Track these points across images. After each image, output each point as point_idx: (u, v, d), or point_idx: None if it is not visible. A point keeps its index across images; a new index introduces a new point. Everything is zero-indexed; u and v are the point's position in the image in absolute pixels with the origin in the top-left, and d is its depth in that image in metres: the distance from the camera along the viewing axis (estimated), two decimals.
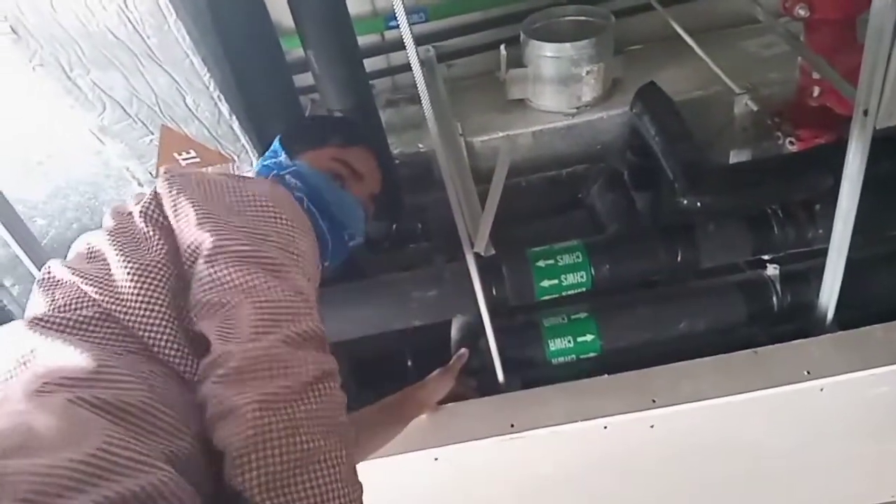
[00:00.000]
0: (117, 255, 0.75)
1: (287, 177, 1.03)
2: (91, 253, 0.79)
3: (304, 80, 1.74)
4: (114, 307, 0.71)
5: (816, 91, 1.49)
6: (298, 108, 1.53)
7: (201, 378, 0.66)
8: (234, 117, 1.28)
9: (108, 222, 0.83)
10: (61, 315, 0.71)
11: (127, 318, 0.71)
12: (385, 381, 1.65)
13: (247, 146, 1.35)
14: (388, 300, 1.48)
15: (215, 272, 0.71)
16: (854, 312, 1.42)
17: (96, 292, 0.72)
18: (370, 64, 1.88)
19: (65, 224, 1.97)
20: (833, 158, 1.26)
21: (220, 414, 0.62)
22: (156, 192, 0.81)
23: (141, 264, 0.73)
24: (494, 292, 1.45)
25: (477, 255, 1.26)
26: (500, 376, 1.42)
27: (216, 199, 0.79)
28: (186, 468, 0.59)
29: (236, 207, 0.80)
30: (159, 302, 0.72)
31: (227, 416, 0.61)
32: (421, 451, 1.31)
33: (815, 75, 1.48)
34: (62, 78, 1.19)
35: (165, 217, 0.79)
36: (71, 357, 0.65)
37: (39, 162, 1.76)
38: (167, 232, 0.78)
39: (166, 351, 0.70)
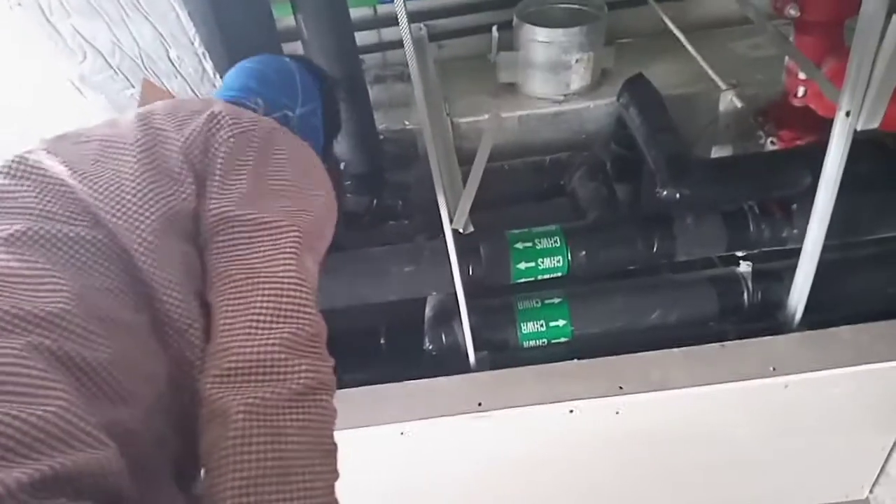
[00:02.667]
0: (144, 182, 0.67)
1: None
2: (105, 148, 0.70)
3: (292, 49, 1.71)
4: (125, 233, 0.64)
5: (801, 91, 1.51)
6: None
7: (202, 371, 0.64)
8: (217, 76, 1.25)
9: (144, 128, 0.72)
10: (51, 227, 0.62)
11: (139, 257, 0.64)
12: (357, 355, 1.65)
13: None
14: (364, 273, 1.47)
15: (235, 244, 0.68)
16: (822, 313, 1.45)
17: (103, 208, 0.65)
18: (360, 38, 1.86)
19: None
20: (813, 159, 1.28)
21: (209, 416, 0.60)
22: (208, 132, 0.74)
23: (169, 208, 0.68)
24: (471, 272, 1.45)
25: (456, 233, 1.26)
26: (471, 356, 1.43)
27: (265, 166, 0.74)
28: (125, 441, 0.55)
29: (283, 177, 0.76)
30: (177, 254, 0.68)
31: (214, 419, 0.60)
32: (388, 424, 1.31)
33: (801, 76, 1.49)
34: (42, 21, 1.16)
35: (203, 164, 0.72)
36: (41, 291, 0.57)
37: (18, 110, 1.72)
38: (200, 182, 0.72)
39: (171, 301, 0.65)
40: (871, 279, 1.52)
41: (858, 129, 1.17)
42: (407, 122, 1.83)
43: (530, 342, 1.49)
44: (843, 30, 1.46)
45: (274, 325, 0.64)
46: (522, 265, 1.45)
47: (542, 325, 1.48)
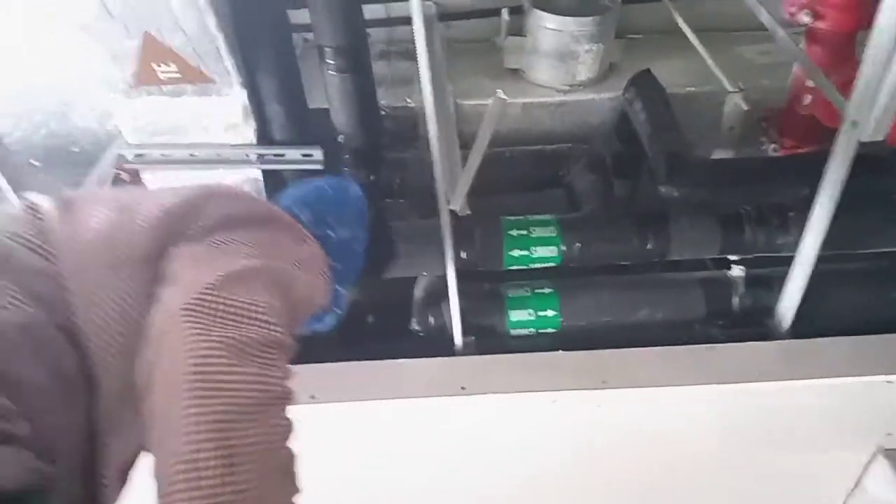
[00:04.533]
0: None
1: None
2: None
3: (299, 17, 1.68)
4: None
5: (807, 99, 1.50)
6: (289, 40, 1.48)
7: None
8: (220, 34, 1.22)
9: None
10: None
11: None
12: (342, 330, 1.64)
13: (230, 69, 1.30)
14: None
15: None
16: (811, 323, 1.45)
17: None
18: (368, 12, 1.83)
19: (32, 128, 1.89)
20: (815, 167, 1.27)
21: (154, 435, 0.55)
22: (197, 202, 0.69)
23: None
24: (463, 256, 1.44)
25: (451, 215, 1.25)
26: (458, 340, 1.42)
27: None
28: None
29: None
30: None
31: (161, 442, 0.54)
32: (369, 402, 1.30)
33: (809, 84, 1.49)
34: None
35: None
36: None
37: (16, 56, 1.68)
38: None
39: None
40: (863, 293, 1.52)
41: (863, 140, 1.17)
42: (409, 100, 1.81)
43: (518, 330, 1.49)
44: (855, 41, 1.45)
45: (212, 326, 0.58)
46: (516, 252, 1.44)
47: (530, 314, 1.47)
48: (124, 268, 0.62)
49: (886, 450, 1.50)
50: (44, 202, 0.64)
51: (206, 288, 0.59)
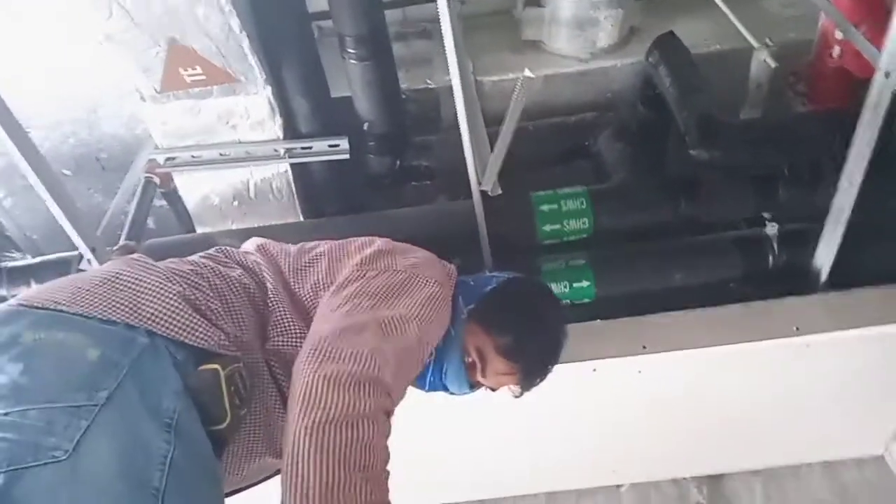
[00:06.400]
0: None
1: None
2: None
3: (312, 5, 1.68)
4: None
5: (836, 51, 1.47)
6: (310, 32, 1.49)
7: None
8: (244, 34, 1.24)
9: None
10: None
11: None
12: None
13: (255, 66, 1.32)
14: (388, 234, 1.47)
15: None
16: (848, 275, 1.44)
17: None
18: None
19: (60, 137, 1.94)
20: (847, 121, 1.26)
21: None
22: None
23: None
24: (496, 233, 1.45)
25: (483, 194, 1.26)
26: None
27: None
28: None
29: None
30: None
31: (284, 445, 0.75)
32: None
33: (837, 35, 1.45)
34: None
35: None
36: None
37: (43, 70, 1.71)
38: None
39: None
40: None
41: None
42: (429, 81, 1.81)
43: None
44: None
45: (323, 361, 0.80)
46: (548, 227, 1.45)
47: (565, 287, 1.48)
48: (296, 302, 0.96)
49: None
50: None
51: (322, 338, 0.83)
